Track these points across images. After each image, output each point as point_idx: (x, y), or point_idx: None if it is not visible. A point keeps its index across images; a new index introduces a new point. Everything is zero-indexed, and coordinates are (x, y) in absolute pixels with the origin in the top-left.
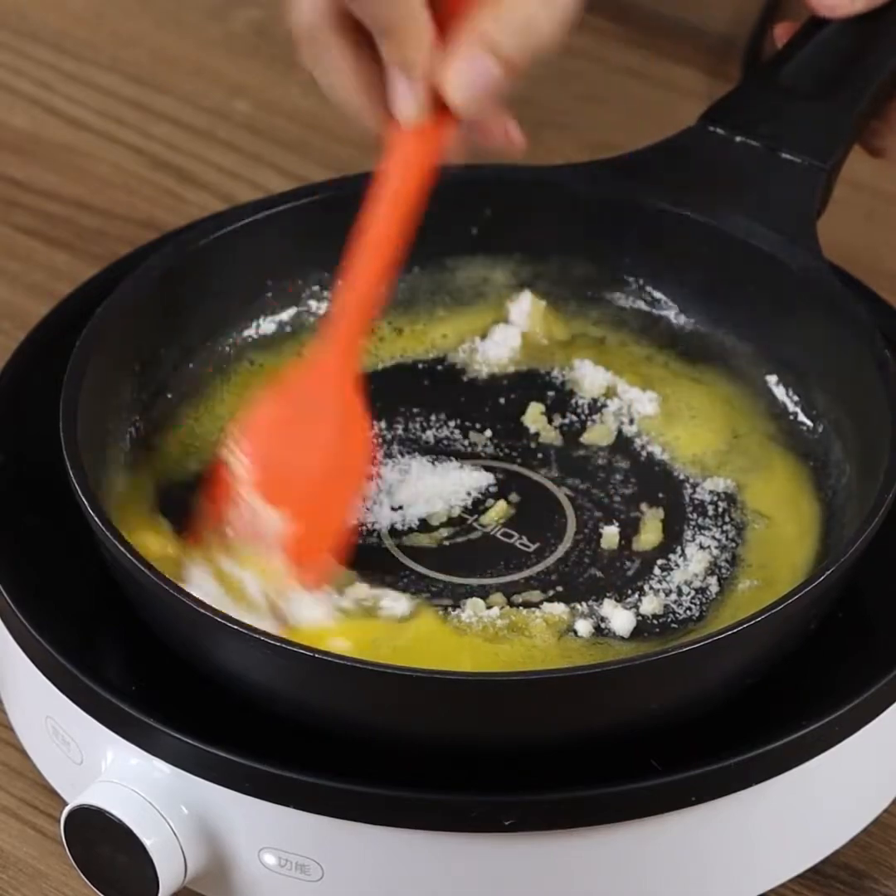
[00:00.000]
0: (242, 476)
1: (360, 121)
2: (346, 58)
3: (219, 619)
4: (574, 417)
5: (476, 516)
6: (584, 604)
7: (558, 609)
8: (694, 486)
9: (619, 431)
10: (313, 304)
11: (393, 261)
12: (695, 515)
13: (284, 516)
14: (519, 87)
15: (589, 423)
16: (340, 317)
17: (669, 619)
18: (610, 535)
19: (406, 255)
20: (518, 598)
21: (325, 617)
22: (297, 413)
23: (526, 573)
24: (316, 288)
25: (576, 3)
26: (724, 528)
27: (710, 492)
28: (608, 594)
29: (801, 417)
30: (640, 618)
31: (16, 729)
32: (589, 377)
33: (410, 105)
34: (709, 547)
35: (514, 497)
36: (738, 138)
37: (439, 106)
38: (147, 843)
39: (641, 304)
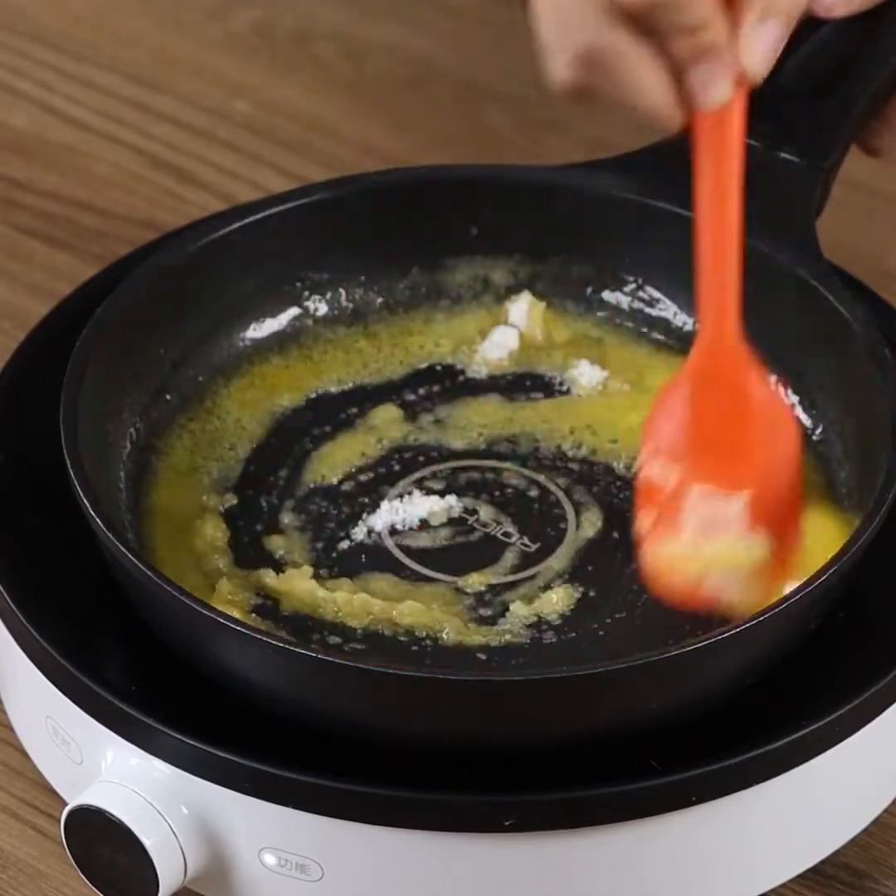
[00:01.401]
0: (680, 477)
1: (658, 120)
2: (645, 60)
3: (219, 619)
4: None
5: (476, 516)
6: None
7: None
8: None
9: None
10: (313, 304)
11: (740, 234)
12: None
13: (738, 495)
14: (516, 88)
15: None
16: (710, 300)
17: None
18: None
19: (405, 255)
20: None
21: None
22: (705, 400)
23: (526, 573)
24: (316, 288)
25: None
26: None
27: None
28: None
29: (801, 417)
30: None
31: (16, 729)
32: (587, 377)
33: (720, 89)
34: None
35: (513, 497)
36: None
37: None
38: (147, 843)
39: (640, 304)
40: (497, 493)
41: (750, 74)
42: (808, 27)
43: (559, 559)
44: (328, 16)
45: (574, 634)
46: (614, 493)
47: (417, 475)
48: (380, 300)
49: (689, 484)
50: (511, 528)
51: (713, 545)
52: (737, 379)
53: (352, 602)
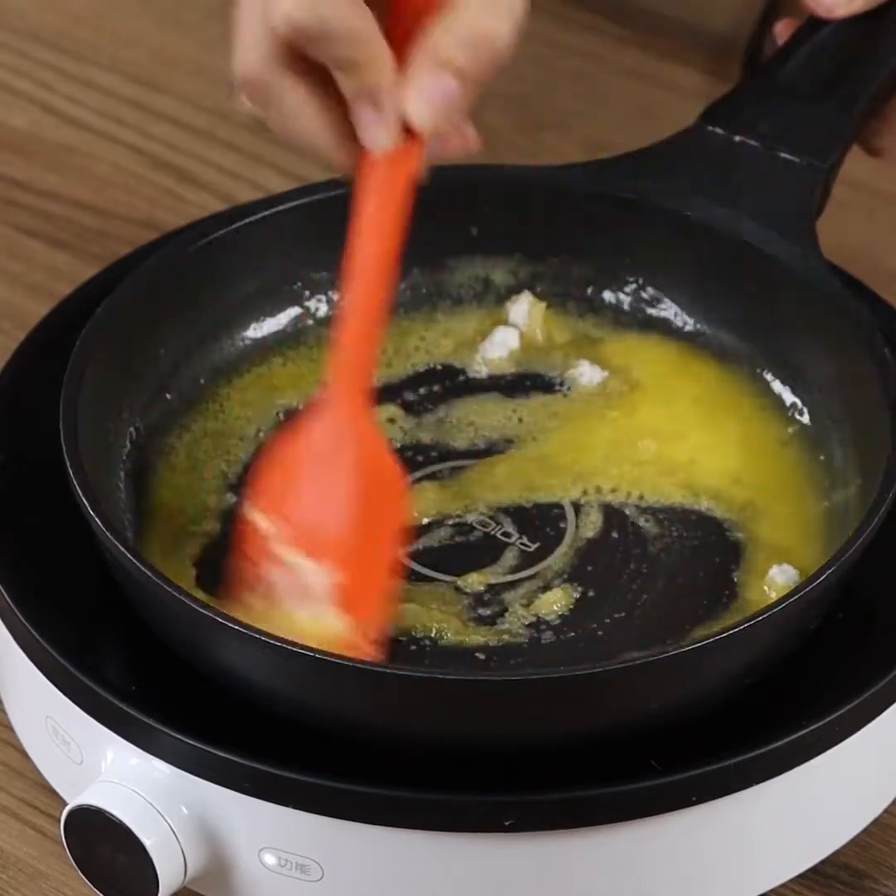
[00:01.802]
0: (272, 533)
1: (323, 156)
2: (305, 97)
3: (219, 619)
4: None
5: (476, 516)
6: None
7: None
8: None
9: None
10: (313, 304)
11: (386, 288)
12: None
13: (328, 567)
14: (516, 88)
15: None
16: (342, 351)
17: None
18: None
19: (406, 255)
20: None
21: None
22: (317, 458)
23: (526, 573)
24: (316, 288)
25: (523, 4)
26: None
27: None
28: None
29: (801, 417)
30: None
31: (16, 729)
32: (587, 377)
33: (380, 133)
34: None
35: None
36: (737, 138)
37: (406, 128)
38: (147, 843)
39: (641, 305)
40: None
41: (415, 125)
42: (808, 28)
43: (559, 559)
44: None
45: (573, 634)
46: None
47: (418, 475)
48: None
49: (285, 543)
50: (511, 528)
51: (290, 615)
52: (351, 448)
53: None
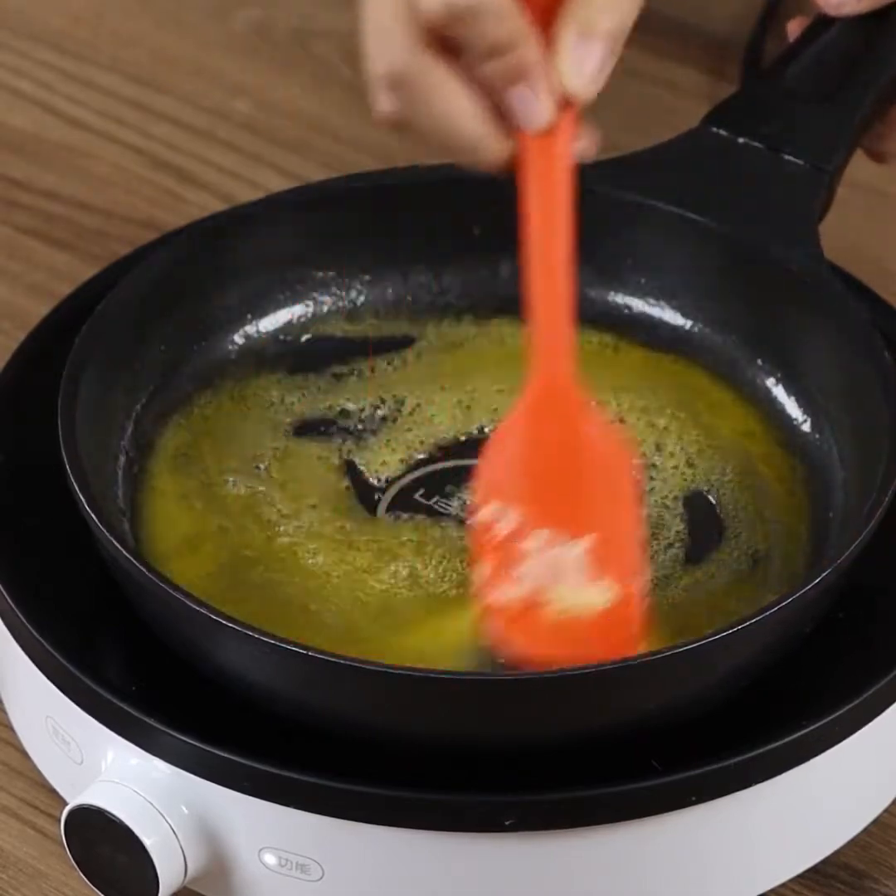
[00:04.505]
0: (513, 525)
1: (473, 152)
2: (457, 86)
3: (219, 619)
4: None
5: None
6: None
7: None
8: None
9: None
10: (314, 304)
11: (570, 269)
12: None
13: (579, 541)
14: None
15: None
16: (540, 337)
17: None
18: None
19: (405, 256)
20: None
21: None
22: (538, 442)
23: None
24: (317, 288)
25: None
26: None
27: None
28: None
29: (801, 418)
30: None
31: (16, 729)
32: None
33: (539, 109)
34: None
35: None
36: (740, 140)
37: (559, 103)
38: (147, 842)
39: (642, 306)
40: None
41: (572, 95)
42: (812, 29)
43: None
44: (328, 16)
45: None
46: None
47: (418, 474)
48: (381, 300)
49: (527, 529)
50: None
51: (556, 594)
52: (568, 421)
53: None
